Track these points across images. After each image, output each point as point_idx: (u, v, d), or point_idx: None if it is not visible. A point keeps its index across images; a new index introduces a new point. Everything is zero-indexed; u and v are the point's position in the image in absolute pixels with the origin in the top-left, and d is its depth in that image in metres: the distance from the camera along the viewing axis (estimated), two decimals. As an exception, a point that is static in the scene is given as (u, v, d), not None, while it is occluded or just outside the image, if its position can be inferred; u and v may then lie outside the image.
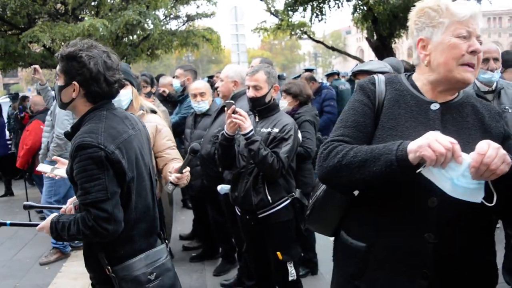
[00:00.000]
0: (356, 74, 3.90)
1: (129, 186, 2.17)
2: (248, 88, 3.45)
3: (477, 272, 1.68)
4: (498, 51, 3.82)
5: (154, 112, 3.34)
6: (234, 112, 3.16)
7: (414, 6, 1.80)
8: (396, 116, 1.72)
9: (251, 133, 3.21)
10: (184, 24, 17.42)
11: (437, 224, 1.61)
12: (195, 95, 4.78)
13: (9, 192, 9.17)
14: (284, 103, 4.53)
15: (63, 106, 2.23)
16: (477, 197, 1.46)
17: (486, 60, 3.70)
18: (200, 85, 4.93)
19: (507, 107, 3.60)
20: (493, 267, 1.75)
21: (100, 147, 2.02)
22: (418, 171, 1.48)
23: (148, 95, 5.36)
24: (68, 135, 2.21)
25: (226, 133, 3.29)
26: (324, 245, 4.54)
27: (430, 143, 1.43)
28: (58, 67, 2.17)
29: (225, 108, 3.24)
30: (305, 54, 78.39)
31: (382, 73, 2.30)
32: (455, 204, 1.50)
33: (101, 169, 2.02)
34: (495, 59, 3.72)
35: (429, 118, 1.70)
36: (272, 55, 71.74)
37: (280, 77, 10.38)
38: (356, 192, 1.77)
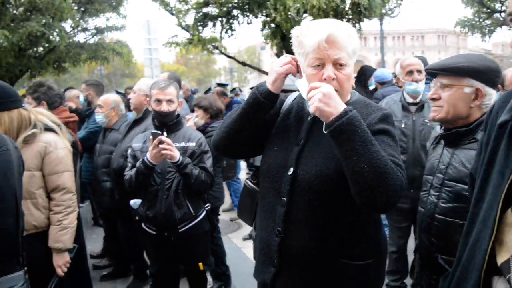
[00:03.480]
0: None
1: None
2: (159, 101, 3.37)
3: (324, 270, 1.83)
4: (420, 63, 4.10)
5: (53, 130, 3.14)
6: (160, 142, 3.09)
7: None
8: (287, 123, 2.00)
9: (181, 159, 3.18)
10: (93, 37, 16.91)
11: (284, 221, 1.85)
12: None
13: None
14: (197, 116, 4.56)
15: None
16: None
17: (410, 72, 4.01)
18: (102, 97, 5.02)
19: (426, 120, 3.81)
20: (345, 270, 1.83)
21: None
22: (296, 82, 1.83)
23: None
24: None
25: (150, 162, 3.17)
26: (235, 257, 4.61)
27: (274, 66, 1.84)
28: None
29: (150, 137, 3.15)
30: (220, 69, 78.81)
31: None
32: (301, 204, 1.80)
33: None
34: (418, 71, 4.01)
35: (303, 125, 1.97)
36: (187, 69, 71.37)
37: (193, 92, 10.44)
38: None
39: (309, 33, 1.77)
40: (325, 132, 1.65)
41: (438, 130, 2.54)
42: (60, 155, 3.04)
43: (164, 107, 3.36)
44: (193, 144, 3.39)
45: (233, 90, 13.92)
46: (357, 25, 13.54)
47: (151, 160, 3.16)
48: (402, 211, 4.00)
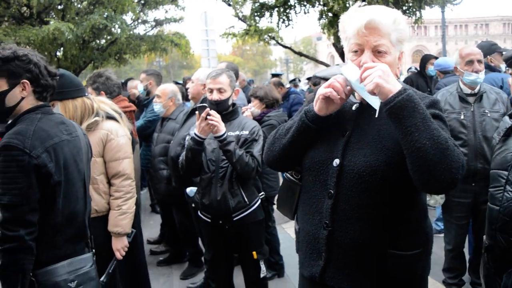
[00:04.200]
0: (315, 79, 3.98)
1: (55, 190, 2.16)
2: (211, 91, 3.43)
3: (370, 261, 1.81)
4: (481, 53, 3.91)
5: (114, 118, 3.24)
6: (208, 115, 3.14)
7: None
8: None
9: (225, 135, 3.20)
10: (152, 29, 17.32)
11: (332, 214, 1.82)
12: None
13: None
14: (253, 106, 4.57)
15: (7, 112, 2.18)
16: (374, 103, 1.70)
17: (470, 62, 3.79)
18: (160, 87, 5.12)
19: (486, 111, 3.68)
20: (394, 260, 1.80)
21: (25, 151, 2.03)
22: (342, 68, 1.77)
23: None
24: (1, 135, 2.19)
25: (198, 136, 3.22)
26: (288, 248, 4.59)
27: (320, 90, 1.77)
28: None
29: (197, 112, 3.20)
30: (276, 60, 78.78)
31: None
32: (349, 196, 1.77)
33: (22, 173, 2.03)
34: (479, 61, 3.81)
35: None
36: (243, 60, 71.84)
37: (248, 83, 10.47)
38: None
39: (352, 18, 1.76)
40: (384, 111, 1.62)
41: (508, 121, 2.39)
42: (120, 142, 3.16)
43: (215, 96, 3.40)
44: (246, 132, 3.40)
45: (292, 80, 13.85)
46: (417, 13, 13.03)
47: (200, 134, 3.20)
48: (463, 206, 3.86)
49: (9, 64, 2.11)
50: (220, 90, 3.41)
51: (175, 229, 5.12)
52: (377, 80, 1.58)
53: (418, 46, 76.16)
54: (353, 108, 1.90)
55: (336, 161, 1.80)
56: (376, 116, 1.71)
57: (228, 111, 3.45)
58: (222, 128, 3.18)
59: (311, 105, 1.86)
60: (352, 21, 1.74)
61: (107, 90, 4.04)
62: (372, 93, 1.62)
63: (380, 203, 1.76)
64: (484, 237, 2.48)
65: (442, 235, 4.20)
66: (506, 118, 2.45)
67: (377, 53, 1.74)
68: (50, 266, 2.15)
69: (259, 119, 4.41)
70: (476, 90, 3.78)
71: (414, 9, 12.94)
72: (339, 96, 1.75)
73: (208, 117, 3.13)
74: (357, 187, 1.76)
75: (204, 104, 3.21)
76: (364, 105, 1.83)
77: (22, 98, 2.17)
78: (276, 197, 5.01)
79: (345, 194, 1.79)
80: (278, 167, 2.19)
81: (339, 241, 1.81)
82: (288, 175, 2.13)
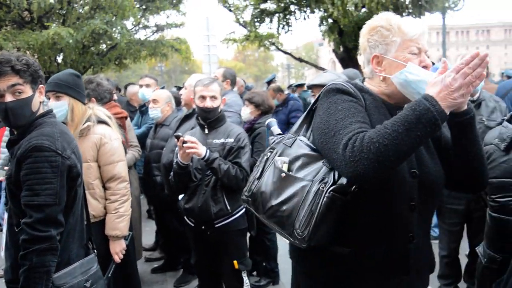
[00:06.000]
0: (311, 87, 3.93)
1: (77, 191, 2.23)
2: (204, 98, 3.43)
3: (428, 255, 1.93)
4: None
5: (105, 122, 3.23)
6: (184, 142, 3.15)
7: None
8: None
9: (208, 155, 3.23)
10: (153, 34, 17.34)
11: (416, 226, 1.79)
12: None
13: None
14: (247, 110, 4.54)
15: (32, 116, 2.19)
16: None
17: None
18: (156, 92, 5.10)
19: (483, 119, 3.64)
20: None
21: (58, 152, 2.08)
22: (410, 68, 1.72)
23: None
24: (13, 141, 2.19)
25: (181, 162, 3.27)
26: (285, 255, 4.54)
27: (449, 82, 1.52)
28: (17, 80, 2.11)
29: (176, 140, 3.23)
30: (278, 65, 78.96)
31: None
32: (427, 206, 1.82)
33: (55, 174, 2.06)
34: None
35: None
36: (245, 65, 72.04)
37: (248, 89, 10.44)
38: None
39: (409, 22, 1.81)
40: (462, 119, 1.68)
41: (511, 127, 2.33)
42: (114, 146, 3.18)
43: (208, 103, 3.42)
44: (231, 140, 3.41)
45: (290, 86, 13.75)
46: (417, 19, 13.04)
47: (182, 161, 3.25)
48: (456, 213, 3.88)
49: (30, 70, 2.15)
50: (213, 98, 3.43)
51: (170, 236, 5.08)
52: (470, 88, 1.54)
53: (420, 52, 75.99)
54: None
55: (416, 172, 1.76)
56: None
57: (213, 119, 3.47)
58: (201, 151, 3.21)
59: (431, 99, 1.53)
60: (412, 24, 1.80)
61: (97, 96, 4.00)
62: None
63: (434, 209, 1.96)
64: (481, 248, 2.43)
65: (438, 241, 4.17)
66: (507, 123, 2.39)
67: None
68: (64, 269, 2.16)
69: (250, 126, 4.38)
70: (475, 97, 3.75)
71: (414, 15, 12.94)
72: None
73: (184, 145, 3.14)
74: (432, 196, 1.84)
75: (178, 134, 3.23)
76: None
77: (41, 103, 2.24)
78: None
79: (422, 205, 1.79)
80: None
81: (421, 252, 1.84)
82: (335, 194, 1.67)
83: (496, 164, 2.36)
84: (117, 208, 3.10)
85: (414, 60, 1.75)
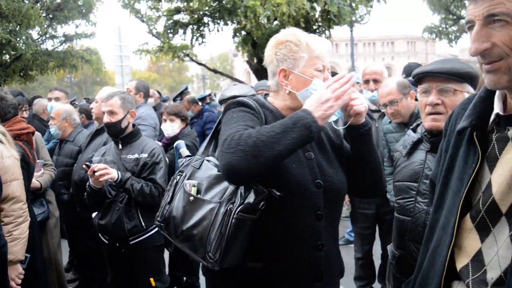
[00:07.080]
0: (222, 101, 4.00)
1: None
2: (103, 113, 3.40)
3: (338, 260, 2.05)
4: (379, 72, 4.17)
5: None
6: (94, 171, 3.10)
7: None
8: None
9: (120, 178, 3.18)
10: (61, 44, 16.59)
11: (323, 233, 1.88)
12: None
13: None
14: (175, 126, 4.44)
15: None
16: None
17: (366, 81, 4.12)
18: (54, 109, 4.97)
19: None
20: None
21: None
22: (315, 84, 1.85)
23: None
24: None
25: (94, 187, 3.21)
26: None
27: (319, 96, 1.73)
28: None
29: (86, 168, 3.19)
30: (193, 76, 78.52)
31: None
32: (332, 214, 1.94)
33: None
34: (375, 80, 4.09)
35: None
36: (159, 76, 70.86)
37: (163, 100, 10.26)
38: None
39: (316, 40, 1.90)
40: (357, 132, 1.88)
41: (413, 135, 2.48)
42: (6, 164, 2.94)
43: (106, 118, 3.37)
44: (145, 155, 3.36)
45: (202, 99, 13.35)
46: (327, 32, 13.67)
47: (95, 186, 3.21)
48: (368, 217, 4.07)
49: None
50: (110, 112, 3.36)
51: (83, 255, 4.87)
52: (366, 105, 1.83)
53: (330, 62, 79.37)
54: None
55: (319, 183, 1.84)
56: (340, 128, 2.00)
57: (125, 134, 3.41)
58: (114, 175, 3.16)
59: (310, 115, 1.66)
60: (319, 42, 1.90)
61: (0, 111, 3.76)
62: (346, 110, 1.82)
63: (339, 216, 2.05)
64: (390, 247, 2.59)
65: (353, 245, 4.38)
66: (410, 132, 2.54)
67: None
68: None
69: (174, 138, 4.30)
70: (377, 107, 3.97)
71: (324, 28, 13.55)
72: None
73: (96, 174, 3.10)
74: (335, 204, 1.95)
75: (87, 163, 3.20)
76: None
77: None
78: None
79: (328, 213, 1.89)
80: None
81: (330, 258, 1.93)
82: (243, 214, 1.70)
83: (400, 168, 2.53)
84: (11, 231, 2.88)
85: (319, 77, 1.86)
